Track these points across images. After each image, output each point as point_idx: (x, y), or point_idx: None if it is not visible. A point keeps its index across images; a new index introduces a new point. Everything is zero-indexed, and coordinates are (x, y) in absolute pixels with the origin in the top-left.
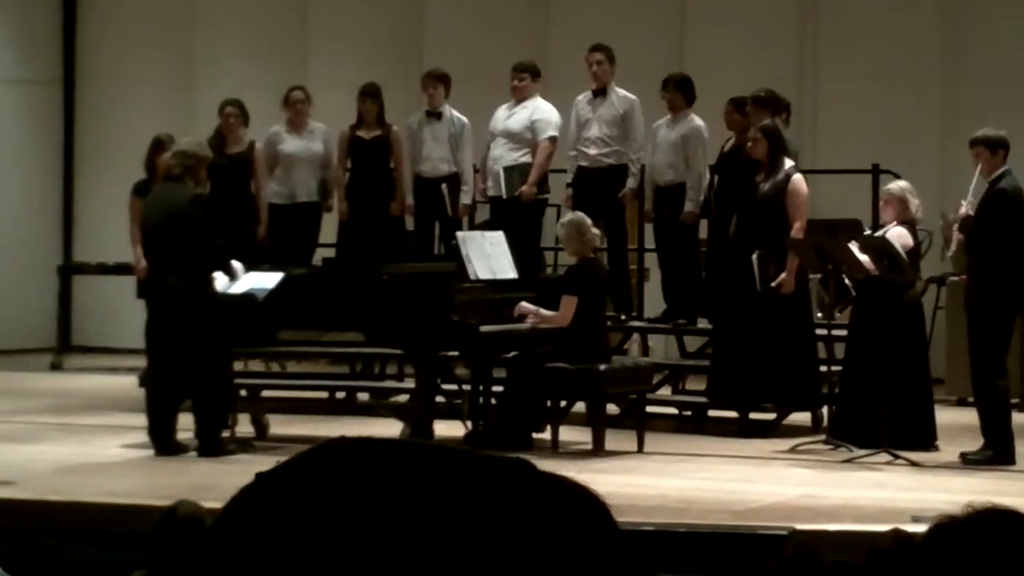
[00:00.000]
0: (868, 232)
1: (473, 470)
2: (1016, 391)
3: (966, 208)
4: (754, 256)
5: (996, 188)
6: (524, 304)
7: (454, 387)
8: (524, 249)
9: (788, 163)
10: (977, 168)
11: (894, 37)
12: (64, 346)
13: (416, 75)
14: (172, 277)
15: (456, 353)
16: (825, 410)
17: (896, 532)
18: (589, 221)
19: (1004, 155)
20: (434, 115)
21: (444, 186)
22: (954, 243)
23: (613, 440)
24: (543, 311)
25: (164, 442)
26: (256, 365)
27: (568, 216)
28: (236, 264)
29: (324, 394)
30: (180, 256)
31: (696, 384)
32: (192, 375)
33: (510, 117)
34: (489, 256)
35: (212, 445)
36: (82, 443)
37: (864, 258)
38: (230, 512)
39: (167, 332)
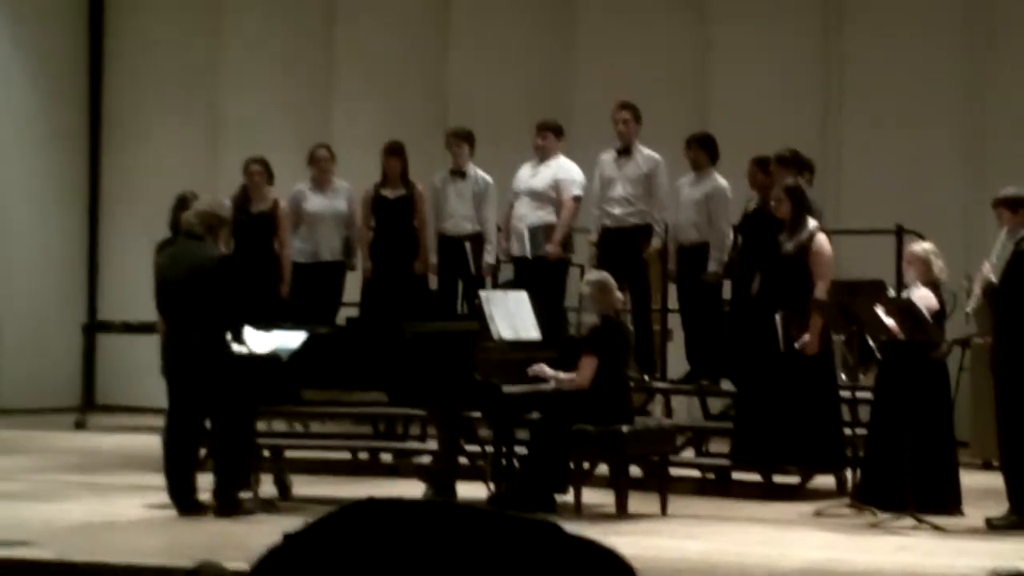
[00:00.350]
0: (892, 293)
1: (502, 531)
2: None
3: (987, 270)
4: (777, 316)
5: (1018, 249)
6: (542, 367)
7: (477, 448)
8: (548, 309)
9: (812, 223)
10: (1001, 228)
11: (918, 95)
12: (88, 404)
13: (440, 133)
14: (192, 333)
15: (479, 413)
16: (849, 473)
17: None
18: (613, 280)
19: None
20: (458, 174)
21: (468, 245)
22: (973, 299)
23: (636, 502)
24: (561, 374)
25: (185, 501)
26: (279, 424)
27: (592, 275)
28: (248, 330)
29: (347, 454)
30: (201, 314)
31: (719, 446)
32: (211, 433)
33: (534, 176)
34: (512, 315)
35: (229, 504)
36: (106, 502)
37: (889, 320)
38: (258, 572)
39: (185, 389)
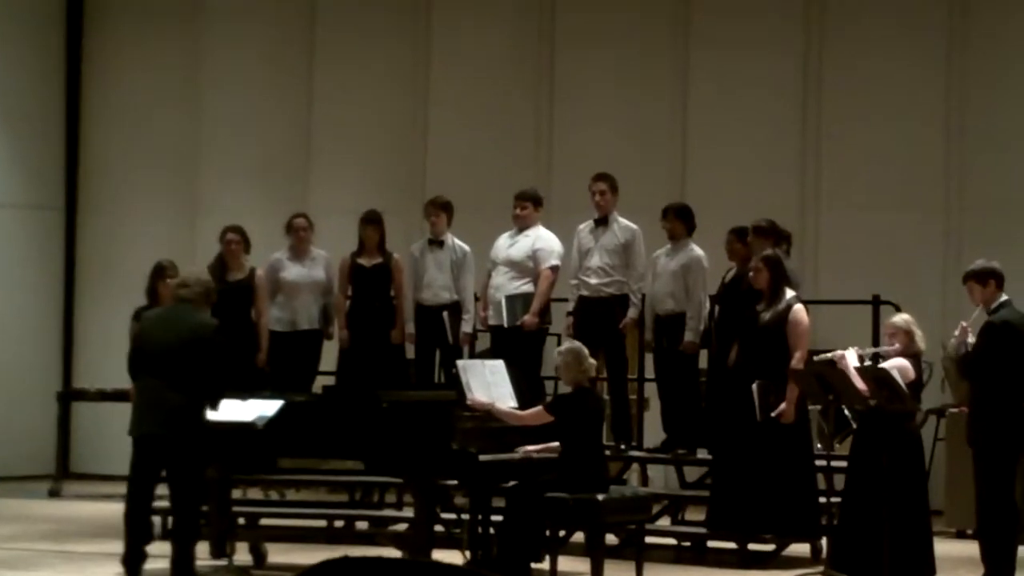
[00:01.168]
0: (868, 362)
1: None
2: None
3: (960, 332)
4: (754, 385)
5: (986, 322)
6: (528, 448)
7: (453, 516)
8: (525, 378)
9: (789, 293)
10: (975, 303)
11: (896, 166)
12: (63, 472)
13: (418, 202)
14: (178, 398)
15: (455, 482)
16: (824, 541)
17: None
18: (585, 350)
19: (996, 285)
20: (436, 243)
21: (445, 314)
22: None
23: (612, 570)
24: (502, 408)
25: (137, 568)
26: (255, 493)
27: (565, 344)
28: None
29: (323, 522)
30: (192, 379)
31: (695, 514)
32: (177, 501)
33: (512, 245)
34: (489, 384)
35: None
36: (80, 570)
37: (862, 386)
38: None
39: (157, 453)
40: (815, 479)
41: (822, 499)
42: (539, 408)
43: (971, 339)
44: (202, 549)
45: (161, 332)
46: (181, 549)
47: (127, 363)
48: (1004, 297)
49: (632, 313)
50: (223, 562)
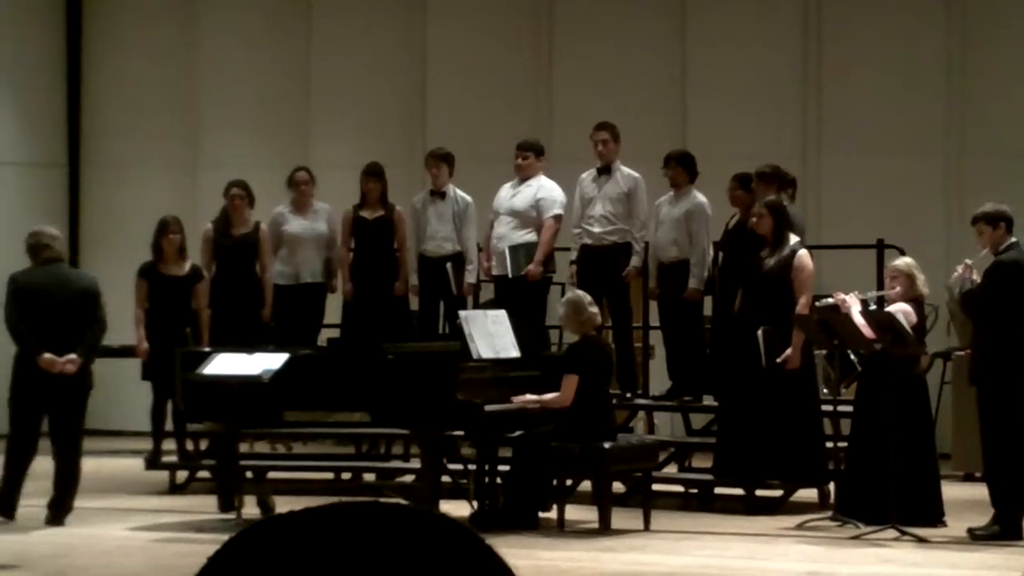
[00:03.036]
0: (872, 306)
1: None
2: None
3: (963, 269)
4: (760, 332)
5: (994, 261)
6: (525, 396)
7: (460, 467)
8: (530, 327)
9: (793, 239)
10: (981, 246)
11: (897, 111)
12: None
13: (419, 154)
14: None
15: (461, 433)
16: (832, 486)
17: None
18: (587, 299)
19: (1006, 228)
20: (438, 194)
21: (449, 265)
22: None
23: (619, 518)
24: (544, 396)
25: (11, 508)
26: (262, 446)
27: (567, 295)
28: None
29: (330, 475)
30: (81, 333)
31: (702, 461)
32: (63, 447)
33: (514, 196)
34: (492, 335)
35: (65, 513)
36: (88, 526)
37: (867, 331)
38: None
39: (51, 405)
40: (821, 425)
41: (828, 444)
42: (567, 379)
43: (975, 277)
44: (210, 503)
45: (57, 290)
46: (68, 492)
47: (18, 332)
48: (1013, 239)
49: (635, 261)
50: (231, 516)
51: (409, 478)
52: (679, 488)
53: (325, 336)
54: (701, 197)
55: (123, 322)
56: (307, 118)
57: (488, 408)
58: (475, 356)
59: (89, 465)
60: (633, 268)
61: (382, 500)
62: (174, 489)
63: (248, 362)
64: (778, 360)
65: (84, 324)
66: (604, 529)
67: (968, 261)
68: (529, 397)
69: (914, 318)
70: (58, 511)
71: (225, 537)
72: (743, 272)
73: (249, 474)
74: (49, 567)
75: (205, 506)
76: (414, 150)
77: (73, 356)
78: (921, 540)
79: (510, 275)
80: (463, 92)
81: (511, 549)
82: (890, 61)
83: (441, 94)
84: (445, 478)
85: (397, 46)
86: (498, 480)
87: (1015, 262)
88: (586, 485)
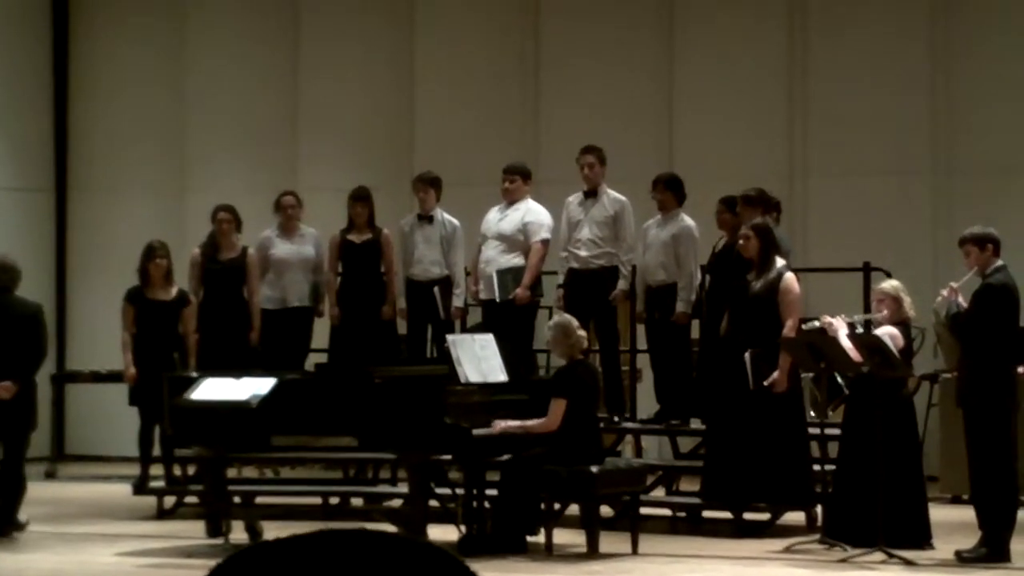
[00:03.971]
0: (859, 330)
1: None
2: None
3: (949, 292)
4: (747, 355)
5: (983, 284)
6: (506, 423)
7: (448, 491)
8: (517, 351)
9: (780, 262)
10: (969, 267)
11: (883, 132)
12: (58, 454)
13: (407, 178)
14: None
15: (449, 457)
16: (819, 509)
17: None
18: (575, 323)
19: (994, 250)
20: (425, 218)
21: (436, 289)
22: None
23: (607, 542)
24: (528, 422)
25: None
26: (250, 471)
27: (554, 319)
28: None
29: (318, 499)
30: (20, 360)
31: (690, 485)
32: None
33: (502, 219)
34: (479, 359)
35: (8, 528)
36: (76, 551)
37: (854, 353)
38: None
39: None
40: (808, 447)
41: (816, 467)
42: (555, 403)
43: (961, 300)
44: (198, 528)
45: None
46: (8, 508)
47: None
48: (1000, 262)
49: (622, 285)
50: (219, 541)
51: (397, 502)
52: (667, 512)
53: (312, 360)
54: (689, 220)
55: (110, 347)
56: (294, 142)
57: (476, 432)
58: (463, 380)
59: (77, 490)
60: (620, 291)
61: (369, 527)
62: (162, 514)
63: (236, 387)
64: (765, 383)
65: (24, 351)
66: (592, 553)
67: (953, 284)
68: (512, 424)
69: (901, 341)
70: None
71: (213, 563)
72: (730, 295)
73: (237, 499)
74: None
75: (193, 531)
76: (401, 174)
77: (7, 383)
78: (908, 563)
79: (498, 299)
80: (450, 116)
81: (499, 573)
82: (875, 82)
83: (428, 118)
84: (433, 502)
85: (385, 70)
86: (486, 504)
87: (1004, 285)
88: (574, 509)
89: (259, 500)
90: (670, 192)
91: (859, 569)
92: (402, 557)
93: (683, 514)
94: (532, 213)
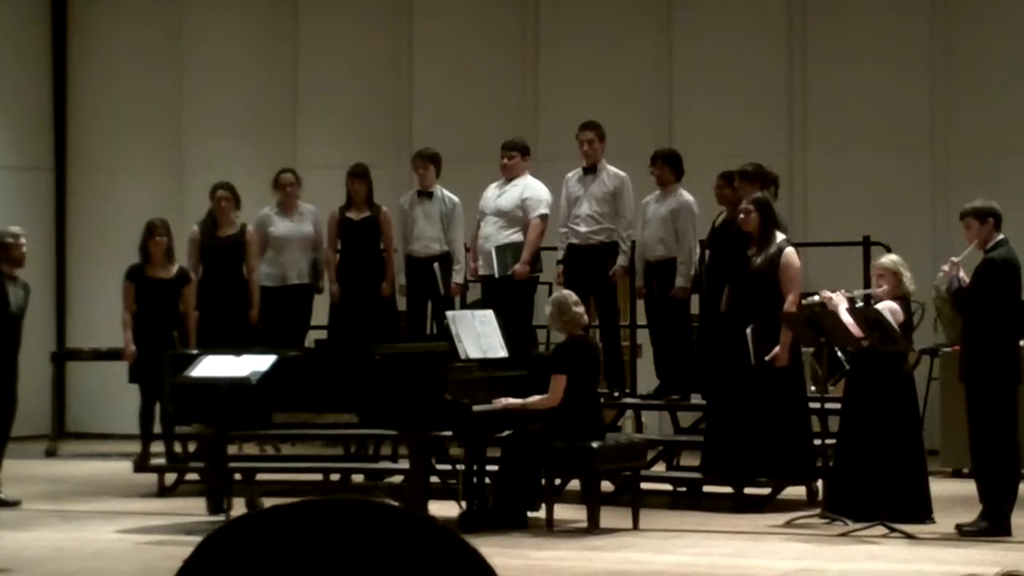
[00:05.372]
0: (860, 304)
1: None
2: None
3: (950, 267)
4: (748, 330)
5: (985, 258)
6: (507, 400)
7: (448, 467)
8: (517, 327)
9: (780, 236)
10: (969, 240)
11: (883, 107)
12: (59, 432)
13: (406, 155)
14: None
15: (450, 433)
16: (820, 483)
17: None
18: (572, 299)
19: (994, 224)
20: (425, 195)
21: (436, 265)
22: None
23: (608, 517)
24: (530, 399)
25: None
26: (250, 448)
27: (553, 296)
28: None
29: (319, 476)
30: None
31: (690, 460)
32: None
33: (500, 196)
34: (479, 335)
35: None
36: (77, 529)
37: (855, 328)
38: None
39: None
40: (809, 422)
41: (817, 442)
42: (555, 379)
43: (963, 275)
44: (199, 506)
45: None
46: None
47: None
48: (1001, 236)
49: (622, 260)
50: (220, 518)
51: (398, 479)
52: (667, 487)
53: (312, 337)
54: (687, 195)
55: (110, 325)
56: (293, 120)
57: (476, 408)
58: (463, 356)
59: (78, 468)
60: (620, 267)
61: (359, 498)
62: (163, 492)
63: (236, 364)
64: (766, 358)
65: None
66: (593, 528)
67: (954, 259)
68: (512, 401)
69: (901, 316)
70: None
71: None
72: (730, 270)
73: (238, 476)
74: (39, 570)
75: (194, 508)
76: (401, 151)
77: None
78: (909, 537)
79: (497, 275)
80: (449, 93)
81: (500, 549)
82: (875, 58)
83: (427, 95)
84: (434, 479)
85: (383, 47)
86: (487, 480)
87: (1005, 260)
88: (575, 484)
89: (260, 477)
90: (668, 167)
91: (860, 543)
92: (396, 528)
93: (684, 489)
94: (531, 189)
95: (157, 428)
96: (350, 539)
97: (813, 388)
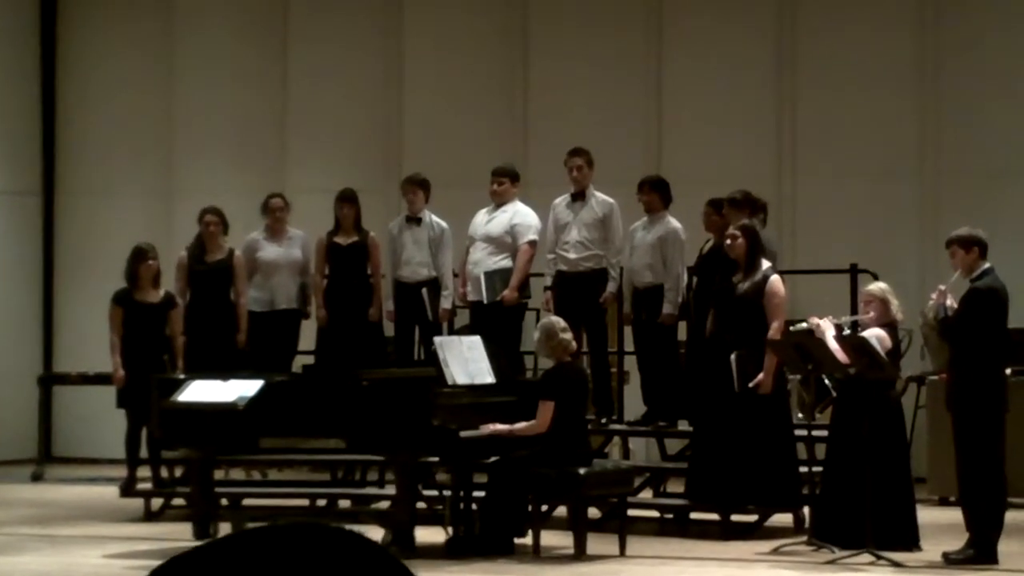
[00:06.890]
0: (847, 332)
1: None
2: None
3: (938, 295)
4: (733, 356)
5: (970, 288)
6: (495, 425)
7: (435, 493)
8: (505, 353)
9: (765, 264)
10: (955, 268)
11: (871, 134)
12: (45, 456)
13: (395, 180)
14: None
15: (437, 458)
16: (807, 510)
17: None
18: (560, 324)
19: (980, 252)
20: (414, 220)
21: (425, 290)
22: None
23: (595, 544)
24: (517, 425)
25: None
26: (237, 473)
27: (540, 322)
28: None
29: (305, 501)
30: None
31: (677, 486)
32: None
33: (490, 221)
34: (467, 360)
35: None
36: (64, 553)
37: (842, 355)
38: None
39: None
40: (795, 448)
41: (804, 468)
42: (543, 405)
43: (950, 302)
44: (185, 530)
45: None
46: None
47: None
48: (987, 264)
49: (611, 287)
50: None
51: (385, 504)
52: (654, 513)
53: (300, 362)
54: (675, 222)
55: (98, 349)
56: (282, 144)
57: (463, 434)
58: (450, 382)
59: (64, 492)
60: (609, 293)
61: (293, 520)
62: (149, 516)
63: (223, 389)
64: (750, 385)
65: None
66: (580, 555)
67: (942, 287)
68: (499, 427)
69: (888, 343)
70: None
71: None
72: (716, 296)
73: (224, 501)
74: None
75: (180, 533)
76: (390, 176)
77: None
78: (896, 564)
79: (485, 301)
80: (439, 118)
81: (487, 575)
82: (864, 85)
83: (417, 120)
84: (421, 504)
85: (374, 72)
86: (474, 506)
87: (991, 288)
88: (562, 511)
89: (246, 502)
90: (656, 194)
91: (847, 571)
92: (326, 548)
93: (670, 516)
94: (520, 215)
95: (144, 452)
96: (279, 564)
97: (800, 415)
